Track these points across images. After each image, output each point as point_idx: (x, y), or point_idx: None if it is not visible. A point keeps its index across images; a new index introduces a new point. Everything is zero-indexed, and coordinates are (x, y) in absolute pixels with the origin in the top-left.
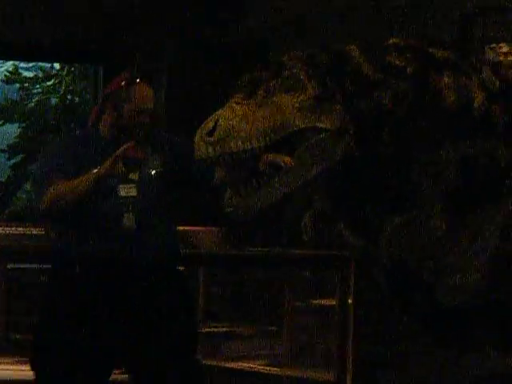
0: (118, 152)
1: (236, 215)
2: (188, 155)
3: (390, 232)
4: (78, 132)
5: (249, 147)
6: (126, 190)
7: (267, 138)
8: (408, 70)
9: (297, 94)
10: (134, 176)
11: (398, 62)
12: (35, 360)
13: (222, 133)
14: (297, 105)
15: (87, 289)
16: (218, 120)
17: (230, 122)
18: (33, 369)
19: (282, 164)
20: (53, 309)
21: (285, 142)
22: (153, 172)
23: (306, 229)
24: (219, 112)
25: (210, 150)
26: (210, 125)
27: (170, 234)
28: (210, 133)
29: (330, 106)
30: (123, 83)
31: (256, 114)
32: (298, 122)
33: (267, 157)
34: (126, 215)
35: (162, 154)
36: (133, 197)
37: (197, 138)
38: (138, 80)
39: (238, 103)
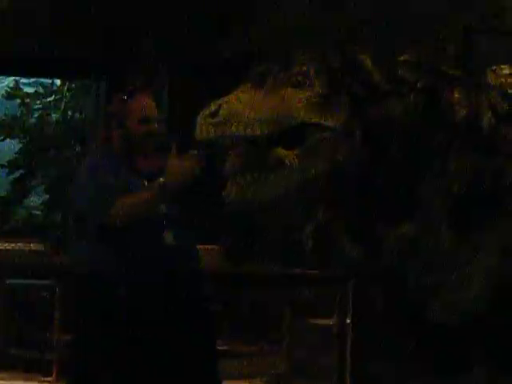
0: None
1: (234, 206)
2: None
3: (394, 242)
4: (95, 152)
5: (250, 134)
6: (162, 206)
7: (270, 128)
8: (419, 83)
9: (304, 90)
10: None
11: (409, 76)
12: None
13: (224, 116)
14: (303, 99)
15: (135, 310)
16: (221, 104)
17: (234, 108)
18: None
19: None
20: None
21: (288, 138)
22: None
23: (308, 240)
24: (224, 98)
25: (211, 131)
26: (213, 107)
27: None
28: (213, 115)
29: (336, 106)
30: (122, 98)
31: (261, 103)
32: (302, 116)
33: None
34: (165, 231)
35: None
36: (165, 213)
37: (198, 119)
38: (134, 93)
39: (243, 92)
